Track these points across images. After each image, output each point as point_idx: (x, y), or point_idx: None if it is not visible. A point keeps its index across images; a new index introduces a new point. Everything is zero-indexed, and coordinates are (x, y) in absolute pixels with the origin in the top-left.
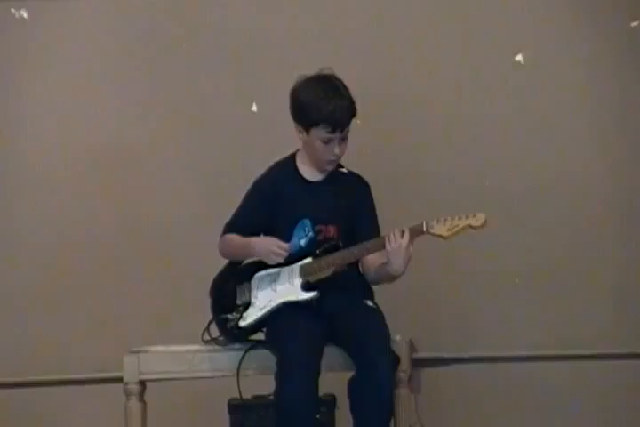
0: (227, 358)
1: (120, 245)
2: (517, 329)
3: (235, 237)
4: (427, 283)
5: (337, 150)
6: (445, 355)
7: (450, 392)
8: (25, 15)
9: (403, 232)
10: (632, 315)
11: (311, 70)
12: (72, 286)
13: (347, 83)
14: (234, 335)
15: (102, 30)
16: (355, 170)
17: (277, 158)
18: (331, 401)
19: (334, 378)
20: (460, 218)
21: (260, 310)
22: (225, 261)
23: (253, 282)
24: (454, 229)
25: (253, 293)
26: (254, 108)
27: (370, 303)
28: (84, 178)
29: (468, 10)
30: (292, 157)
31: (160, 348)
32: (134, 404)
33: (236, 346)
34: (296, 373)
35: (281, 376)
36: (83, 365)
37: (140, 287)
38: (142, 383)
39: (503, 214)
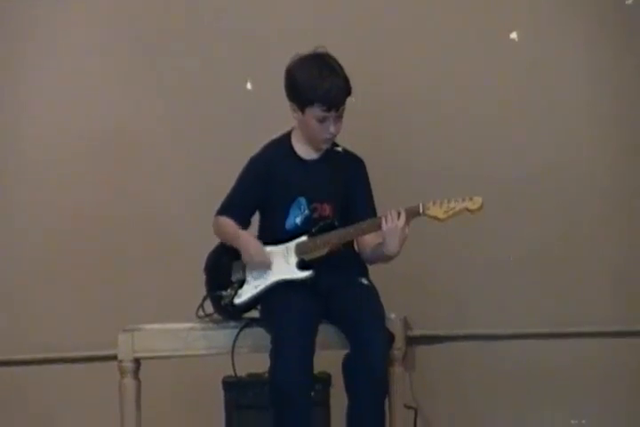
0: (221, 335)
1: (114, 225)
2: (512, 307)
3: (227, 224)
4: (421, 261)
5: (332, 129)
6: (440, 333)
7: (444, 370)
8: None
9: (399, 213)
10: (626, 293)
11: (306, 49)
12: (66, 265)
13: (341, 61)
14: (228, 312)
15: (100, 16)
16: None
17: (272, 137)
18: (325, 379)
19: (329, 356)
20: (456, 201)
21: (255, 287)
22: None
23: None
24: (450, 212)
25: (248, 269)
26: (249, 86)
27: (364, 281)
28: (79, 162)
29: None
30: (288, 136)
31: (154, 326)
32: (129, 382)
33: (231, 324)
34: (291, 351)
35: (276, 354)
36: (77, 343)
37: (134, 265)
38: (137, 361)
39: (498, 196)
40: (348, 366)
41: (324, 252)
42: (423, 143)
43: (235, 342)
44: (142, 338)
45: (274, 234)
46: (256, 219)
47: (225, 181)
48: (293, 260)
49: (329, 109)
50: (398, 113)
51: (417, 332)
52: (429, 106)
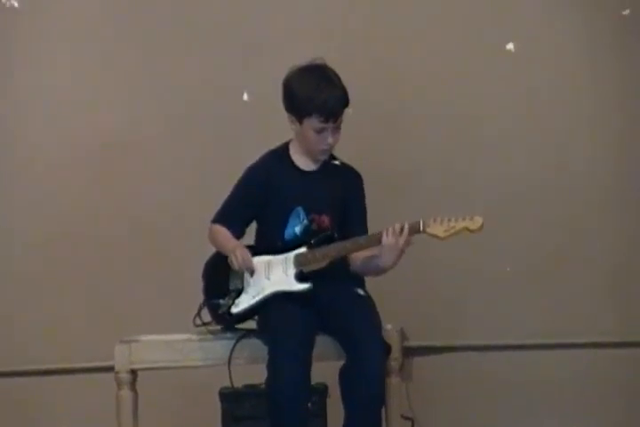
0: (218, 347)
1: (111, 236)
2: (509, 318)
3: (220, 232)
4: (418, 271)
5: (330, 140)
6: (437, 344)
7: (441, 381)
8: (15, 4)
9: (402, 228)
10: (624, 304)
11: (303, 60)
12: (64, 276)
13: (339, 73)
14: (225, 321)
15: (100, 24)
16: (346, 161)
17: (269, 147)
18: (322, 390)
19: (326, 367)
20: (457, 220)
21: (253, 297)
22: None
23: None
24: (451, 231)
25: (246, 279)
26: (245, 97)
27: (361, 292)
28: (76, 168)
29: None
30: (286, 147)
31: (151, 337)
32: (125, 393)
33: (228, 335)
34: (288, 362)
35: (273, 365)
36: (74, 354)
37: (132, 276)
38: (133, 372)
39: (495, 204)
40: (345, 377)
41: (322, 264)
42: (419, 154)
43: (231, 353)
44: (139, 349)
45: (272, 244)
46: (251, 229)
47: (222, 191)
48: (292, 271)
49: (327, 120)
50: (396, 124)
51: (414, 342)
52: (427, 117)
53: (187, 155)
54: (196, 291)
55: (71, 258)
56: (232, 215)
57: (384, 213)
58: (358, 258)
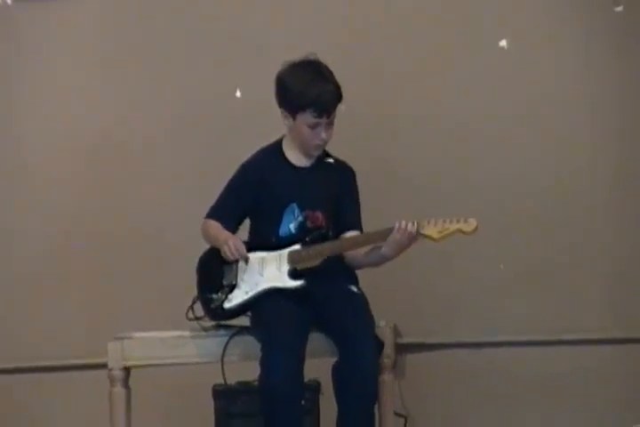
0: (211, 343)
1: (104, 232)
2: (502, 315)
3: (213, 226)
4: (411, 269)
5: (324, 135)
6: (430, 340)
7: (434, 378)
8: (9, 1)
9: (413, 226)
10: (618, 301)
11: (296, 56)
12: (56, 273)
13: (333, 70)
14: (217, 316)
15: (95, 23)
16: (340, 157)
17: (262, 144)
18: (315, 387)
19: (319, 364)
20: (451, 221)
21: (246, 293)
22: None
23: (240, 264)
24: (445, 233)
25: (240, 275)
26: (238, 93)
27: (354, 289)
28: (73, 166)
29: None
30: (279, 143)
31: (144, 334)
32: (119, 390)
33: (221, 332)
34: (281, 359)
35: (266, 362)
36: (67, 351)
37: (125, 273)
38: (127, 370)
39: (489, 200)
40: (338, 374)
41: (316, 262)
42: (414, 152)
43: (224, 350)
44: (132, 346)
45: (266, 240)
46: (245, 226)
47: (215, 187)
48: (285, 268)
49: (320, 116)
50: (390, 124)
51: (407, 339)
52: (421, 115)
53: (180, 151)
54: (189, 288)
55: (65, 255)
56: (225, 211)
57: (377, 212)
58: (360, 251)
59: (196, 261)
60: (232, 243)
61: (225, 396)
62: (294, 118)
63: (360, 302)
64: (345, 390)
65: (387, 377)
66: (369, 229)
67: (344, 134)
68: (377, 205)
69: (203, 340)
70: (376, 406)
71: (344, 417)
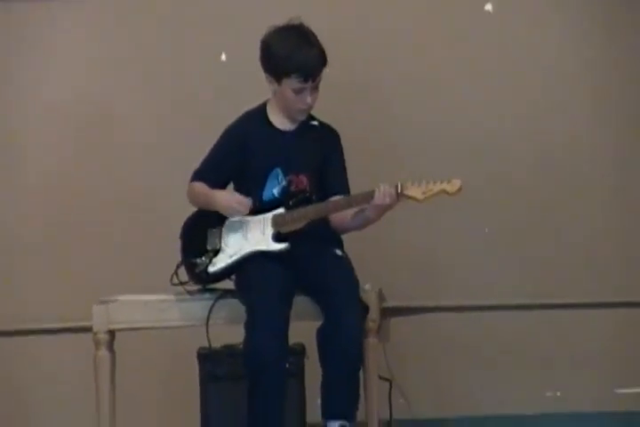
0: (196, 307)
1: (88, 196)
2: (486, 278)
3: (200, 187)
4: (396, 232)
5: (309, 100)
6: (415, 304)
7: (419, 342)
8: None
9: (395, 188)
10: (599, 265)
11: (281, 21)
12: (40, 237)
13: (317, 33)
14: (202, 280)
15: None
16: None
17: (248, 107)
18: (300, 350)
19: (303, 327)
20: (435, 182)
21: (230, 257)
22: None
23: (225, 228)
24: (429, 193)
25: (224, 239)
26: (223, 57)
27: (339, 252)
28: (55, 130)
29: None
30: (263, 107)
31: (129, 297)
32: (103, 353)
33: (206, 295)
34: (266, 322)
35: (250, 325)
36: (51, 314)
37: (110, 236)
38: (111, 333)
39: (474, 165)
40: (323, 337)
41: (300, 225)
42: (400, 114)
43: (209, 313)
44: (117, 310)
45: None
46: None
47: (200, 152)
48: (269, 231)
49: (306, 80)
50: (374, 83)
51: (391, 303)
52: (407, 76)
53: (164, 115)
54: (173, 251)
55: (47, 217)
56: (210, 174)
57: (363, 174)
58: (345, 214)
59: (180, 224)
60: (234, 201)
61: (210, 359)
62: (279, 83)
63: (345, 266)
64: (330, 354)
65: (371, 341)
66: (355, 190)
67: (329, 97)
68: (363, 168)
69: (188, 303)
70: (361, 370)
71: (329, 381)
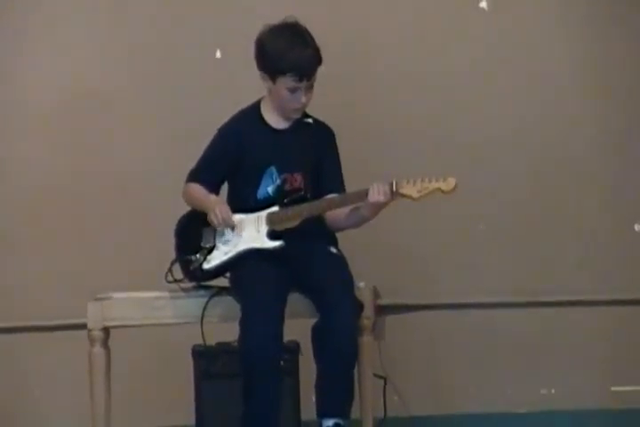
0: (191, 304)
1: (84, 192)
2: (481, 276)
3: (196, 190)
4: (390, 229)
5: (303, 99)
6: (409, 302)
7: (413, 339)
8: None
9: (390, 186)
10: (594, 263)
11: (276, 19)
12: (35, 233)
13: (313, 31)
14: (196, 277)
15: None
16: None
17: (243, 104)
18: (294, 348)
19: (298, 325)
20: (430, 180)
21: (225, 254)
22: None
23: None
24: (424, 192)
25: (218, 236)
26: (218, 54)
27: (334, 250)
28: (51, 124)
29: None
30: (257, 105)
31: (124, 294)
32: (98, 351)
33: (201, 293)
34: (260, 319)
35: (245, 323)
36: (46, 311)
37: (106, 234)
38: (106, 330)
39: (469, 161)
40: (317, 335)
41: (295, 223)
42: (396, 111)
43: (204, 310)
44: (112, 307)
45: (245, 203)
46: (223, 189)
47: (196, 149)
48: (264, 229)
49: (300, 80)
50: (371, 80)
51: (386, 301)
52: (403, 73)
53: (159, 112)
54: (167, 248)
55: (40, 214)
56: (206, 174)
57: (359, 171)
58: (340, 213)
59: (174, 221)
60: (219, 212)
61: (204, 357)
62: (274, 82)
63: (339, 263)
64: (324, 352)
65: (366, 338)
66: (351, 188)
67: (325, 94)
68: (358, 165)
69: (183, 300)
70: (355, 367)
71: (323, 378)
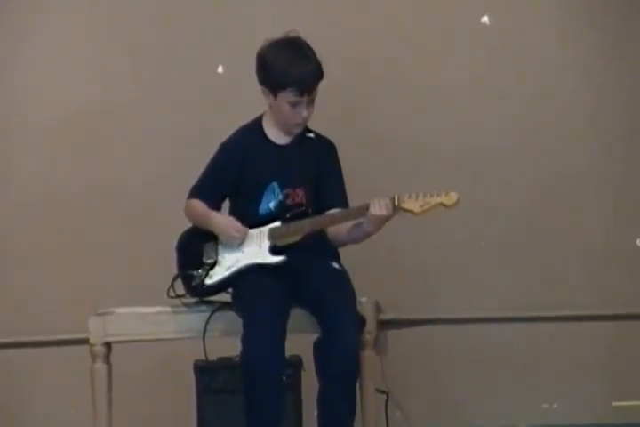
0: (193, 319)
1: (86, 208)
2: (483, 291)
3: (198, 206)
4: (392, 244)
5: (305, 113)
6: (412, 317)
7: (416, 354)
8: None
9: (391, 201)
10: (596, 278)
11: (278, 33)
12: (37, 248)
13: (313, 45)
14: (198, 293)
15: None
16: (321, 133)
17: (244, 119)
18: (297, 363)
19: (300, 340)
20: (432, 195)
21: (227, 269)
22: None
23: (221, 241)
24: (426, 206)
25: (220, 251)
26: (220, 69)
27: (336, 265)
28: (48, 135)
29: None
30: (259, 120)
31: (126, 310)
32: (100, 366)
33: (203, 308)
34: (262, 334)
35: (247, 338)
36: (48, 327)
37: (108, 249)
38: (108, 345)
39: (470, 176)
40: (319, 350)
41: (296, 238)
42: (397, 125)
43: (206, 325)
44: (114, 322)
45: (247, 219)
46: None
47: (197, 164)
48: (266, 244)
49: (302, 94)
50: (373, 94)
51: (388, 315)
52: (405, 87)
53: (161, 127)
54: (169, 263)
55: (43, 228)
56: (208, 191)
57: (361, 185)
58: (342, 228)
59: (176, 236)
60: (232, 229)
61: (206, 372)
62: (275, 96)
63: (341, 278)
64: (326, 367)
65: (368, 353)
66: (353, 202)
67: (327, 108)
68: (359, 179)
69: (184, 316)
70: (357, 382)
71: (325, 393)
